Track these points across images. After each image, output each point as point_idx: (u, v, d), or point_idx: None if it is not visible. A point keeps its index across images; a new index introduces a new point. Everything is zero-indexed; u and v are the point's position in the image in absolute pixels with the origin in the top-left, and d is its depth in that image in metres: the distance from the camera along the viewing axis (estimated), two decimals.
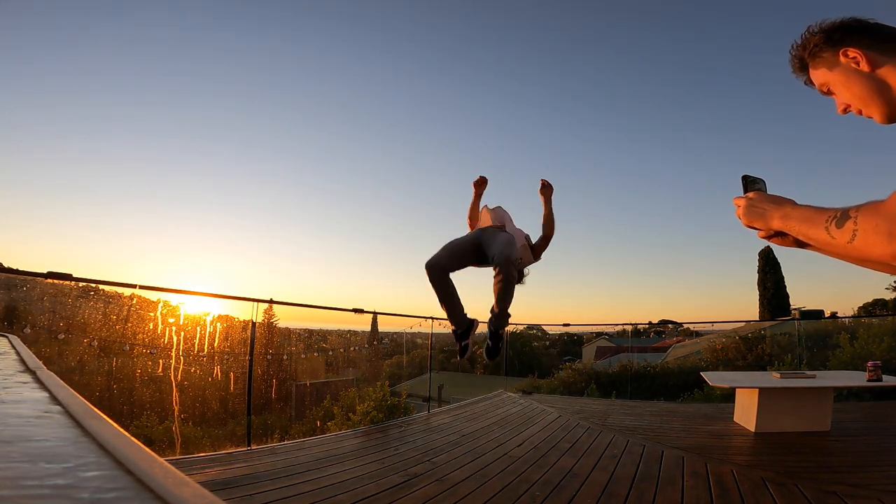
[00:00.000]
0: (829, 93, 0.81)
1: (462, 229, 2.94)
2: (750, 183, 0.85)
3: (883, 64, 0.71)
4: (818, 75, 0.80)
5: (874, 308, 21.34)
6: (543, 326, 14.05)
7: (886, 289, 23.16)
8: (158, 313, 4.18)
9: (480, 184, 2.86)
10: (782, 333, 7.86)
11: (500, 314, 2.55)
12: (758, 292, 20.86)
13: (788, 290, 20.37)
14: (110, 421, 0.33)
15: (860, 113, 0.77)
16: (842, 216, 0.60)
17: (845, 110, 0.79)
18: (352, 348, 8.64)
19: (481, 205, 2.92)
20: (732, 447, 2.97)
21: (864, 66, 0.72)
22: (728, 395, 4.94)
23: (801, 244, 0.84)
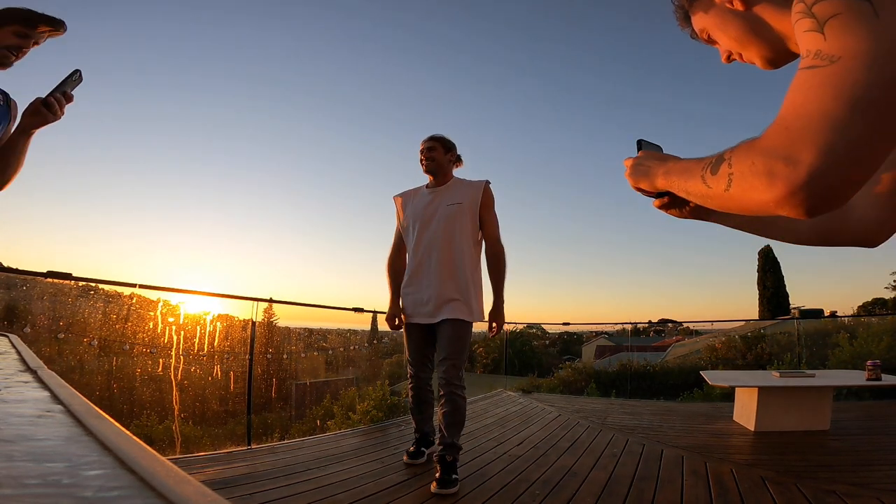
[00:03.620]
0: (709, 40, 0.74)
1: None
2: (645, 146, 0.76)
3: (758, 1, 0.64)
4: (696, 21, 0.73)
5: (874, 307, 21.37)
6: (543, 325, 14.07)
7: (886, 288, 23.21)
8: (158, 312, 4.18)
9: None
10: (782, 332, 7.86)
11: (450, 445, 2.18)
12: (757, 291, 20.89)
13: (788, 290, 20.42)
14: (112, 420, 0.33)
15: (741, 58, 0.71)
16: (717, 161, 0.51)
17: (729, 58, 0.73)
18: (352, 347, 8.64)
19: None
20: (732, 446, 2.97)
21: (738, 5, 0.65)
22: (727, 395, 4.95)
23: (700, 214, 0.78)
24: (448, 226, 2.32)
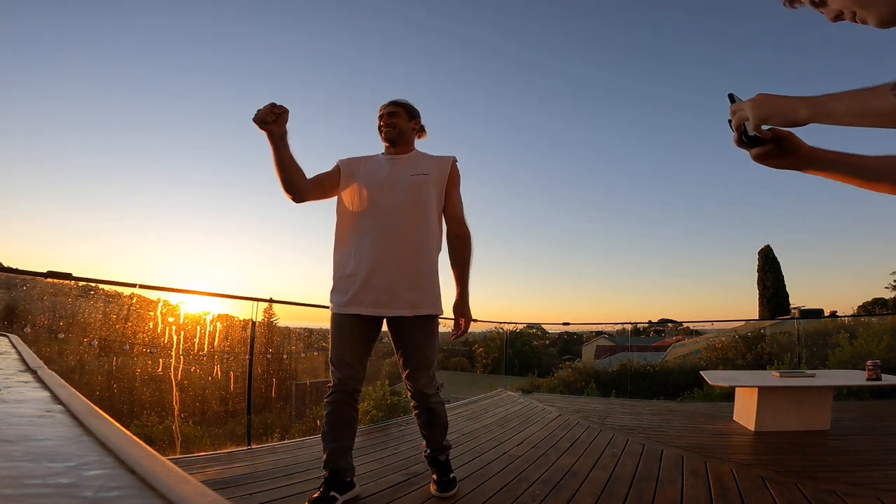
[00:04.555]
0: (818, 2, 0.73)
1: None
2: (737, 100, 0.79)
3: None
4: None
5: (874, 307, 21.38)
6: (543, 325, 14.06)
7: (886, 288, 23.21)
8: (158, 312, 4.18)
9: (265, 121, 1.68)
10: (782, 332, 7.87)
11: (438, 448, 2.05)
12: (757, 291, 20.90)
13: (788, 289, 20.43)
14: (112, 420, 0.33)
15: (854, 18, 0.70)
16: None
17: (837, 17, 0.72)
18: None
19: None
20: (732, 446, 2.97)
21: None
22: (728, 394, 4.95)
23: (803, 165, 0.79)
24: (414, 197, 1.91)
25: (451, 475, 2.08)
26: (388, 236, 1.87)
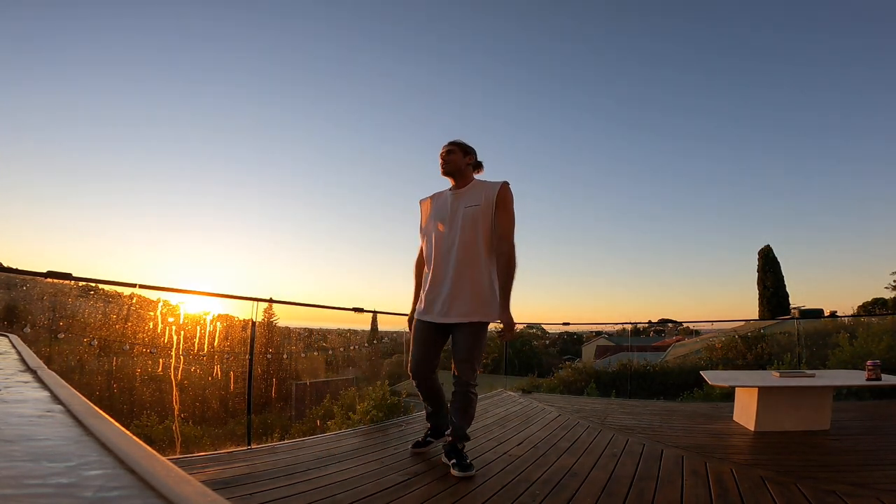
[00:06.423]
0: None
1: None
2: None
3: None
4: None
5: (874, 307, 21.38)
6: (543, 325, 14.07)
7: (886, 288, 23.22)
8: (158, 312, 4.18)
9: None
10: (782, 332, 7.88)
11: (460, 436, 2.44)
12: (757, 291, 20.90)
13: (788, 290, 20.40)
14: (112, 420, 0.33)
15: None
16: None
17: None
18: (352, 347, 8.64)
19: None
20: (732, 446, 2.97)
21: None
22: (727, 394, 4.95)
23: None
24: (467, 227, 2.36)
25: (469, 461, 2.39)
26: (447, 261, 2.39)
